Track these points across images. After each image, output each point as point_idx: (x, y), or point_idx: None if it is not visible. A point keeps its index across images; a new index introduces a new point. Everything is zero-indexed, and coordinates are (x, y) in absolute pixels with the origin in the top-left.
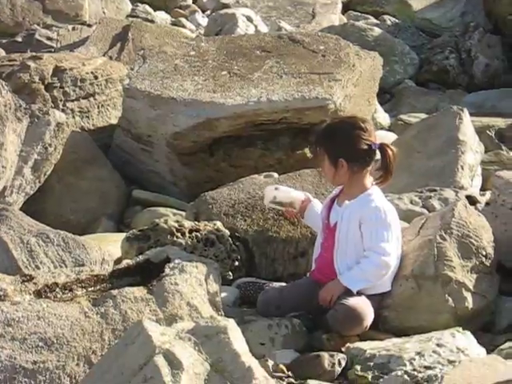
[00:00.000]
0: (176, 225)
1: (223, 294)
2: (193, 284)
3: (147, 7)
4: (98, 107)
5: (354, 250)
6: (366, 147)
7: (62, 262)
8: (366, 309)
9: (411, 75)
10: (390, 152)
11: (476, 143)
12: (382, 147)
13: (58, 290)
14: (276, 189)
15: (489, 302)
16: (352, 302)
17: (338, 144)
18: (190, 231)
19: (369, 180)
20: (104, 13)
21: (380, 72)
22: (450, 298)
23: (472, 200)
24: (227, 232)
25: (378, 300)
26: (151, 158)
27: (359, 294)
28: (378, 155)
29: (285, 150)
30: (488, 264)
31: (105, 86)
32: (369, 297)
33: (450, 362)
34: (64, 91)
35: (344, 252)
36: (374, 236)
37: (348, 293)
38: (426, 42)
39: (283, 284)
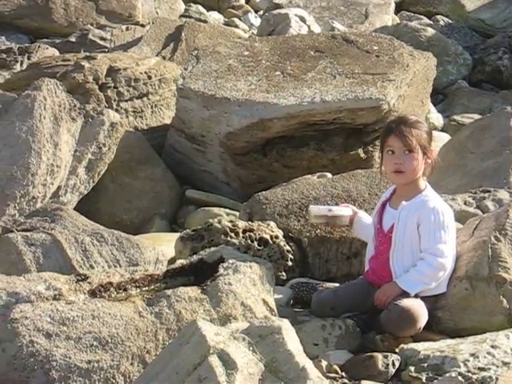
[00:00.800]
0: (230, 225)
1: (277, 295)
2: (247, 284)
3: (200, 7)
4: (152, 107)
5: (411, 251)
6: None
7: (116, 261)
8: (419, 310)
9: (464, 76)
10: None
11: None
12: None
13: (112, 289)
14: (329, 210)
15: None
16: (406, 303)
17: (426, 135)
18: (244, 231)
19: (424, 181)
20: (157, 13)
21: (434, 72)
22: (504, 300)
23: None
24: (281, 232)
25: (432, 301)
26: (204, 157)
27: (415, 295)
28: None
29: (338, 151)
30: None
31: (158, 86)
32: (423, 298)
33: (505, 363)
34: (118, 91)
35: (400, 253)
36: (431, 237)
37: (403, 294)
38: (479, 42)
39: (337, 285)
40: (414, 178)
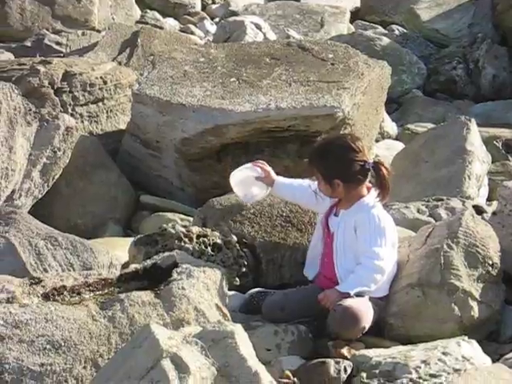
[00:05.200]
0: (184, 230)
1: (230, 300)
2: (200, 289)
3: (156, 14)
4: (107, 112)
5: (354, 255)
6: (359, 168)
7: (70, 265)
8: (363, 309)
9: (419, 85)
10: (384, 171)
11: (483, 153)
12: (376, 166)
13: (65, 293)
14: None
15: (494, 312)
16: (349, 302)
17: (332, 166)
18: (198, 236)
19: (365, 189)
20: (113, 19)
21: (388, 81)
22: (455, 307)
23: (479, 210)
24: (234, 238)
25: (381, 305)
26: (159, 163)
27: (360, 296)
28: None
29: (292, 158)
30: (494, 273)
31: (114, 91)
32: (371, 300)
33: (456, 370)
34: (73, 96)
35: (343, 260)
36: (367, 241)
37: (348, 297)
38: (433, 52)
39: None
40: (335, 198)
